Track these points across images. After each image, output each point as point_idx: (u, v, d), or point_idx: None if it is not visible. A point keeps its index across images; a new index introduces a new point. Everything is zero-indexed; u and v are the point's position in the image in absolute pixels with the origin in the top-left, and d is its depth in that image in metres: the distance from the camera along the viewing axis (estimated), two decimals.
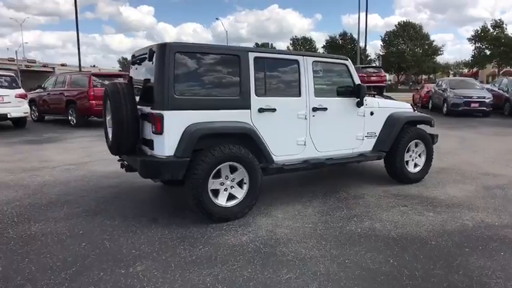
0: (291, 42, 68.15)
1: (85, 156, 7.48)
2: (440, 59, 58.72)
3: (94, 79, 11.80)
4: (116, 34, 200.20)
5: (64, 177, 5.75)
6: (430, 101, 17.80)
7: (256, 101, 4.03)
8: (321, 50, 60.63)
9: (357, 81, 4.80)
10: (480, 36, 48.80)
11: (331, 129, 4.62)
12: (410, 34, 52.39)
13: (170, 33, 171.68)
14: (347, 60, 4.85)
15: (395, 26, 54.33)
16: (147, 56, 3.91)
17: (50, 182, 5.52)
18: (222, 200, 3.84)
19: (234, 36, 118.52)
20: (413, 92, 23.48)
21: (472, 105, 14.70)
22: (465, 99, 14.76)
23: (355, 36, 39.71)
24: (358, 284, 2.69)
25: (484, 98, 14.77)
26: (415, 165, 5.36)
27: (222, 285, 2.69)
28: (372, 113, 4.98)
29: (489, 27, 48.00)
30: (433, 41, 53.23)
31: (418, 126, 5.48)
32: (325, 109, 4.49)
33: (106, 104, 4.24)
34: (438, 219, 3.95)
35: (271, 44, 75.61)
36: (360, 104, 4.79)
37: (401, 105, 5.65)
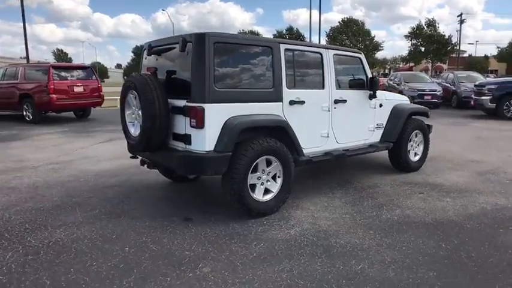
0: None
1: (63, 154, 6.90)
2: (378, 55, 61.96)
3: (54, 72, 10.87)
4: (46, 24, 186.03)
5: (54, 178, 5.26)
6: None
7: (287, 94, 3.98)
8: None
9: (369, 74, 4.93)
10: (415, 34, 52.26)
11: (349, 121, 4.70)
12: (354, 30, 54.65)
13: (107, 24, 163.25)
14: (361, 53, 4.96)
15: (339, 22, 56.28)
16: (176, 46, 3.69)
17: (41, 183, 5.02)
18: (259, 195, 3.76)
19: (175, 29, 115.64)
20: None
21: (425, 97, 15.69)
22: (419, 92, 15.73)
23: (301, 31, 40.54)
24: (431, 269, 2.78)
25: (436, 91, 15.87)
26: (415, 155, 5.64)
27: (302, 280, 2.64)
28: (381, 105, 5.15)
29: (423, 25, 51.56)
30: (374, 36, 55.95)
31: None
32: (344, 101, 4.56)
33: (126, 98, 3.93)
34: (457, 204, 4.20)
35: None
36: (372, 97, 4.93)
37: (401, 98, 5.91)
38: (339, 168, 5.84)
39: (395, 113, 5.31)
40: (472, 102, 13.48)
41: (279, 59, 3.91)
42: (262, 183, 3.79)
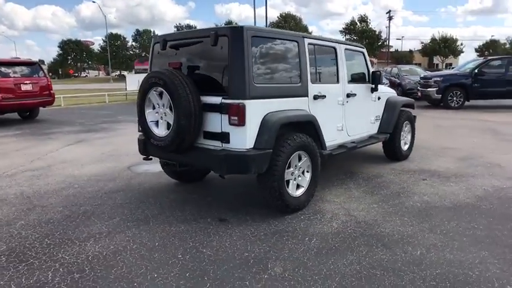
0: (175, 30, 66.27)
1: (35, 159, 6.25)
2: None
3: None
4: None
5: (42, 186, 4.76)
6: None
7: (312, 88, 4.00)
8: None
9: (371, 68, 5.12)
10: (349, 29, 55.03)
11: (358, 114, 4.86)
12: (292, 25, 56.04)
13: (23, 16, 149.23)
14: (364, 48, 5.12)
15: (278, 17, 57.52)
16: (201, 39, 3.54)
17: (30, 192, 4.52)
18: (293, 190, 3.75)
19: (102, 22, 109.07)
20: None
21: None
22: None
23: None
24: (481, 248, 2.99)
25: (384, 84, 16.88)
26: (405, 144, 5.99)
27: (377, 270, 2.69)
28: (379, 98, 5.37)
29: (357, 21, 54.45)
30: (311, 32, 57.92)
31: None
32: (354, 95, 4.69)
33: (148, 96, 3.67)
34: (462, 188, 4.54)
35: (154, 31, 72.31)
36: (374, 90, 5.13)
37: (391, 91, 6.22)
38: (336, 160, 6.00)
39: (390, 105, 5.58)
40: (419, 94, 14.54)
41: (305, 53, 3.91)
42: (294, 179, 3.78)
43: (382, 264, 2.77)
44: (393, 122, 5.50)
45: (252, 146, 3.37)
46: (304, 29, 57.53)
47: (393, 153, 5.77)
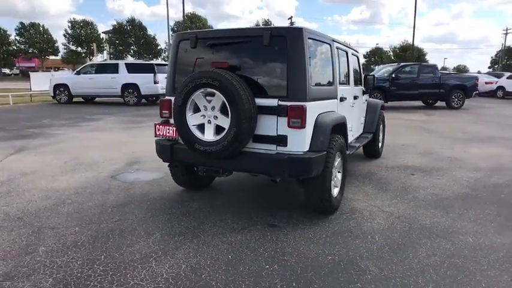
0: (70, 25, 60.57)
1: (18, 174, 5.21)
2: None
3: None
4: None
5: (26, 204, 4.02)
6: None
7: (339, 91, 4.12)
8: (103, 36, 56.30)
9: (362, 71, 5.47)
10: None
11: (358, 116, 5.15)
12: (199, 26, 55.55)
13: None
14: (358, 52, 5.43)
15: (184, 17, 56.24)
16: (250, 39, 3.41)
17: (17, 213, 3.79)
18: (334, 191, 3.82)
19: None
20: None
21: None
22: None
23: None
24: None
25: None
26: (379, 142, 6.51)
27: (456, 258, 2.92)
28: (366, 100, 5.76)
29: (261, 25, 56.33)
30: None
31: None
32: (357, 97, 4.97)
33: (191, 98, 3.37)
34: (449, 180, 5.12)
35: (43, 25, 64.77)
36: (365, 93, 5.48)
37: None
38: None
39: (371, 107, 6.01)
40: None
41: (335, 56, 4.02)
42: (332, 179, 3.86)
43: (454, 253, 3.02)
44: (375, 122, 5.94)
45: (308, 149, 3.36)
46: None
47: (373, 151, 6.22)
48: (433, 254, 3.02)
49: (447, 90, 14.73)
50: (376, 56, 69.59)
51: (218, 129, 3.37)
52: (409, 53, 60.86)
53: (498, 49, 64.69)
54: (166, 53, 57.29)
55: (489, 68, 61.39)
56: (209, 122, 3.41)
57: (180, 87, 3.43)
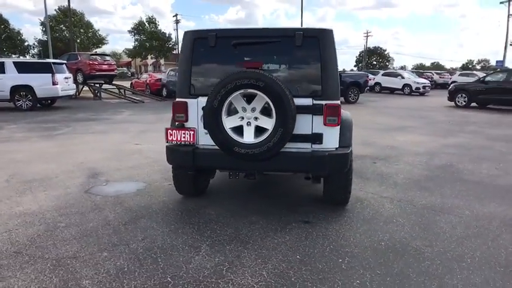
0: None
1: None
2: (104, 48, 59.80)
3: None
4: None
5: (7, 238, 3.31)
6: (164, 88, 19.26)
7: None
8: None
9: None
10: (138, 30, 54.00)
11: None
12: (74, 21, 50.35)
13: None
14: None
15: (56, 10, 50.33)
16: (280, 39, 3.42)
17: (23, 241, 3.10)
18: None
19: None
20: (133, 80, 24.57)
21: None
22: None
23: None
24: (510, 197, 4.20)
25: None
26: None
27: (478, 229, 3.46)
28: None
29: (145, 22, 53.97)
30: (98, 30, 53.59)
31: None
32: None
33: (229, 99, 3.21)
34: (406, 165, 5.85)
35: None
36: None
37: None
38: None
39: None
40: None
41: None
42: None
43: (468, 224, 3.56)
44: None
45: (338, 145, 3.53)
46: (89, 25, 52.70)
47: None
48: (454, 227, 3.51)
49: (345, 87, 16.43)
50: None
51: (258, 130, 3.30)
52: None
53: (360, 49, 74.08)
54: (36, 50, 50.63)
55: (354, 66, 69.85)
56: (248, 124, 3.30)
57: (214, 89, 3.24)
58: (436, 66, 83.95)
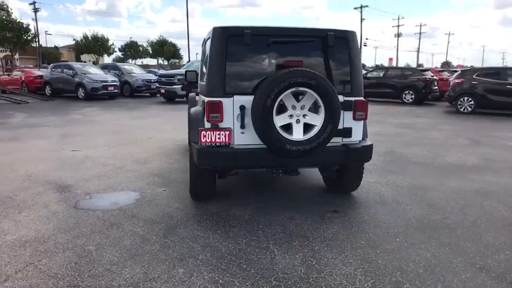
0: None
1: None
2: None
3: None
4: None
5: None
6: (48, 87, 16.98)
7: None
8: None
9: None
10: None
11: None
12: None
13: None
14: None
15: None
16: (313, 39, 3.60)
17: (78, 264, 2.58)
18: None
19: None
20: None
21: (109, 88, 16.18)
22: (103, 84, 15.96)
23: None
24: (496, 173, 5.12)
25: (116, 81, 16.65)
26: None
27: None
28: None
29: None
30: None
31: None
32: None
33: (281, 97, 3.22)
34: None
35: None
36: None
37: None
38: None
39: None
40: (163, 91, 15.56)
41: None
42: None
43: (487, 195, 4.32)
44: None
45: (362, 138, 3.87)
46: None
47: None
48: (447, 200, 4.21)
49: None
50: (132, 49, 68.97)
51: (306, 127, 3.40)
52: (166, 48, 63.94)
53: None
54: None
55: None
56: (298, 121, 3.37)
57: (265, 87, 3.20)
58: None
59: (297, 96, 3.35)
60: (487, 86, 12.33)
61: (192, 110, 4.11)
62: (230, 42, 3.44)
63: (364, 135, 3.89)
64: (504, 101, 12.02)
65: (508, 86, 12.03)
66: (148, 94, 18.47)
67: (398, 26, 56.50)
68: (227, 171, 3.78)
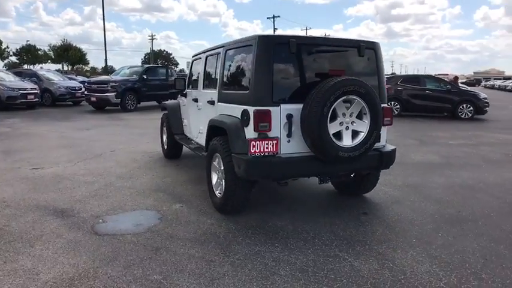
0: None
1: None
2: None
3: None
4: None
5: None
6: None
7: None
8: None
9: None
10: None
11: None
12: None
13: None
14: None
15: None
16: (347, 49, 3.74)
17: None
18: None
19: None
20: None
21: (29, 97, 14.41)
22: (21, 92, 14.16)
23: None
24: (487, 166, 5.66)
25: (36, 89, 14.87)
26: None
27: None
28: None
29: None
30: None
31: None
32: None
33: (333, 106, 3.27)
34: None
35: None
36: None
37: None
38: None
39: None
40: (94, 99, 14.34)
41: None
42: None
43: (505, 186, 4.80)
44: None
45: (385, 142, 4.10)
46: None
47: None
48: (448, 195, 4.66)
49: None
50: (30, 54, 62.05)
51: (354, 134, 3.49)
52: (71, 53, 58.87)
53: (146, 51, 73.69)
54: None
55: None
56: (347, 128, 3.44)
57: (321, 96, 3.21)
58: None
59: (345, 104, 3.44)
60: (410, 91, 13.87)
61: (225, 119, 3.83)
62: (276, 50, 3.39)
63: (385, 140, 4.13)
64: (425, 105, 13.68)
65: (427, 92, 13.70)
66: (71, 103, 16.88)
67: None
68: (277, 181, 3.68)
